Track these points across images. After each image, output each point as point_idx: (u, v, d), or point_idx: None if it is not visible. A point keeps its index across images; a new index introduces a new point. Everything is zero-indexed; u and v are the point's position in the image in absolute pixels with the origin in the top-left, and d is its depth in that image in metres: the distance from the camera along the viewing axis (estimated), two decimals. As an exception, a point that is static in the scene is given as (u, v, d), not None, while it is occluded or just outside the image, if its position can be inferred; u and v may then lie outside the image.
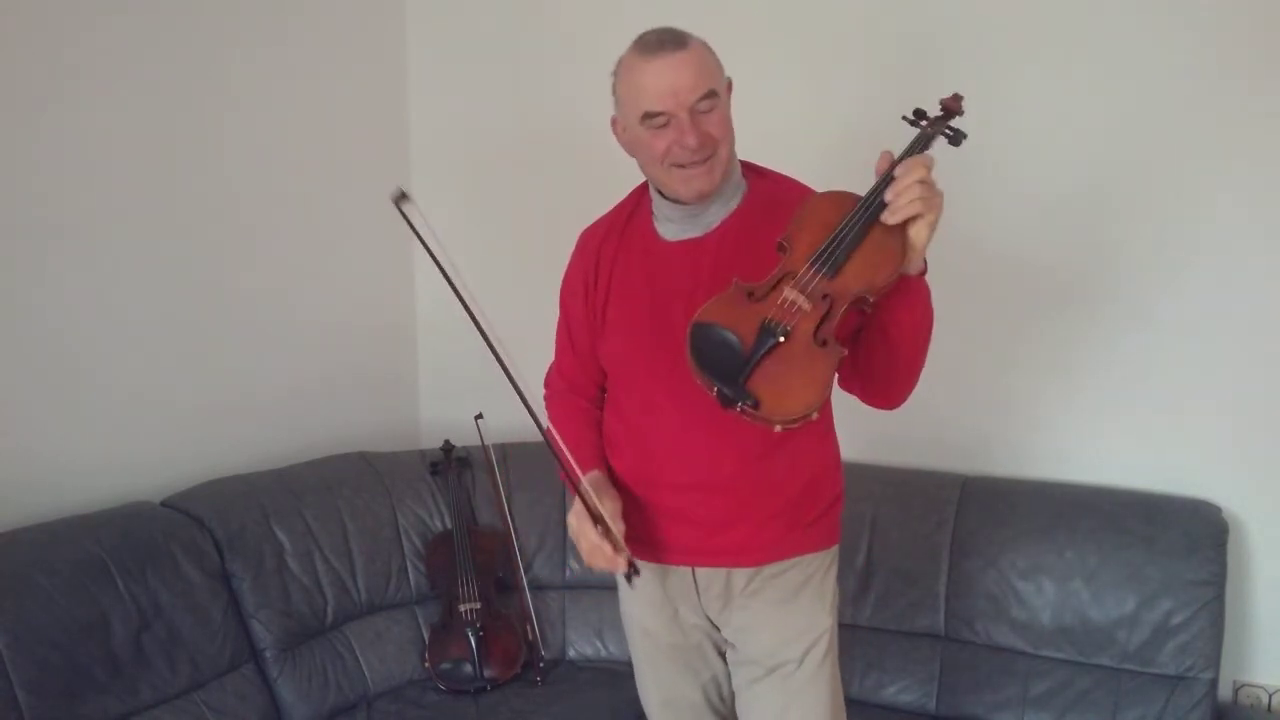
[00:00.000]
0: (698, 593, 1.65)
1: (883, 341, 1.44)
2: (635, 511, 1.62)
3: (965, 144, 1.42)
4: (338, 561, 2.44)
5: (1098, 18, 2.26)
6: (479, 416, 2.71)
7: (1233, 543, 2.18)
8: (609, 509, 1.54)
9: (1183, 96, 2.20)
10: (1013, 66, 2.34)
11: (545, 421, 1.54)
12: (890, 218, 1.32)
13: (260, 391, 2.63)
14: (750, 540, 1.59)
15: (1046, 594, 2.23)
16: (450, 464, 2.70)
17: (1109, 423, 2.35)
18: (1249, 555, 2.25)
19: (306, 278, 2.76)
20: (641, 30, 1.51)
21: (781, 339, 1.34)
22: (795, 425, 1.35)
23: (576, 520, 1.55)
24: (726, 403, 1.34)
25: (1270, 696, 2.26)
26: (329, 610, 2.41)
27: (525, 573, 2.62)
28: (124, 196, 2.28)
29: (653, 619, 1.71)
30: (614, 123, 1.58)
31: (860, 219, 1.35)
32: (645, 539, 1.63)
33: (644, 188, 1.66)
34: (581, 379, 1.75)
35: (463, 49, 2.97)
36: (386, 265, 3.03)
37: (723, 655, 1.71)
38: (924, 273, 1.40)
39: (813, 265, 1.36)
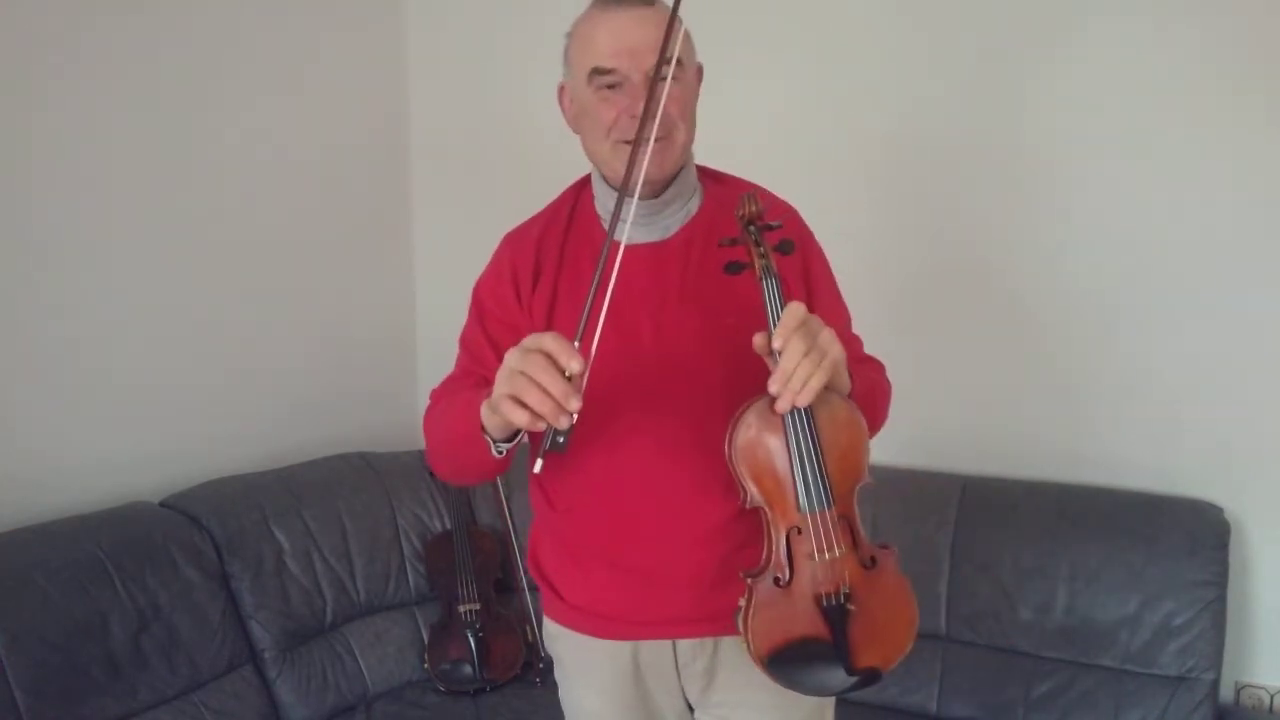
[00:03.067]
0: (677, 669, 1.42)
1: None
2: (602, 582, 1.39)
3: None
4: (337, 562, 2.44)
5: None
6: (479, 417, 2.71)
7: (1234, 543, 2.18)
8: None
9: (1170, 105, 2.20)
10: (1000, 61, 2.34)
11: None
12: (800, 403, 1.14)
13: (260, 392, 2.63)
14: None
15: (1048, 595, 2.22)
16: (450, 464, 2.69)
17: (1109, 423, 2.35)
18: (1250, 556, 2.24)
19: (306, 278, 2.75)
20: (567, 33, 1.36)
21: (852, 606, 1.22)
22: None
23: (537, 337, 1.11)
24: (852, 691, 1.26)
25: (1272, 697, 2.25)
26: (328, 611, 2.40)
27: (525, 573, 2.62)
28: (123, 198, 2.28)
29: (614, 708, 1.45)
30: (560, 91, 1.38)
31: (802, 429, 1.20)
32: (615, 613, 1.40)
33: (581, 184, 1.45)
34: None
35: (463, 49, 2.97)
36: (387, 265, 3.03)
37: None
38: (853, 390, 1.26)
39: (809, 512, 1.22)
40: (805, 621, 1.23)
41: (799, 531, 1.23)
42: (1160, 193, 2.25)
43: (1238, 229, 2.19)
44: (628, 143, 1.27)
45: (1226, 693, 2.24)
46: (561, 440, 1.13)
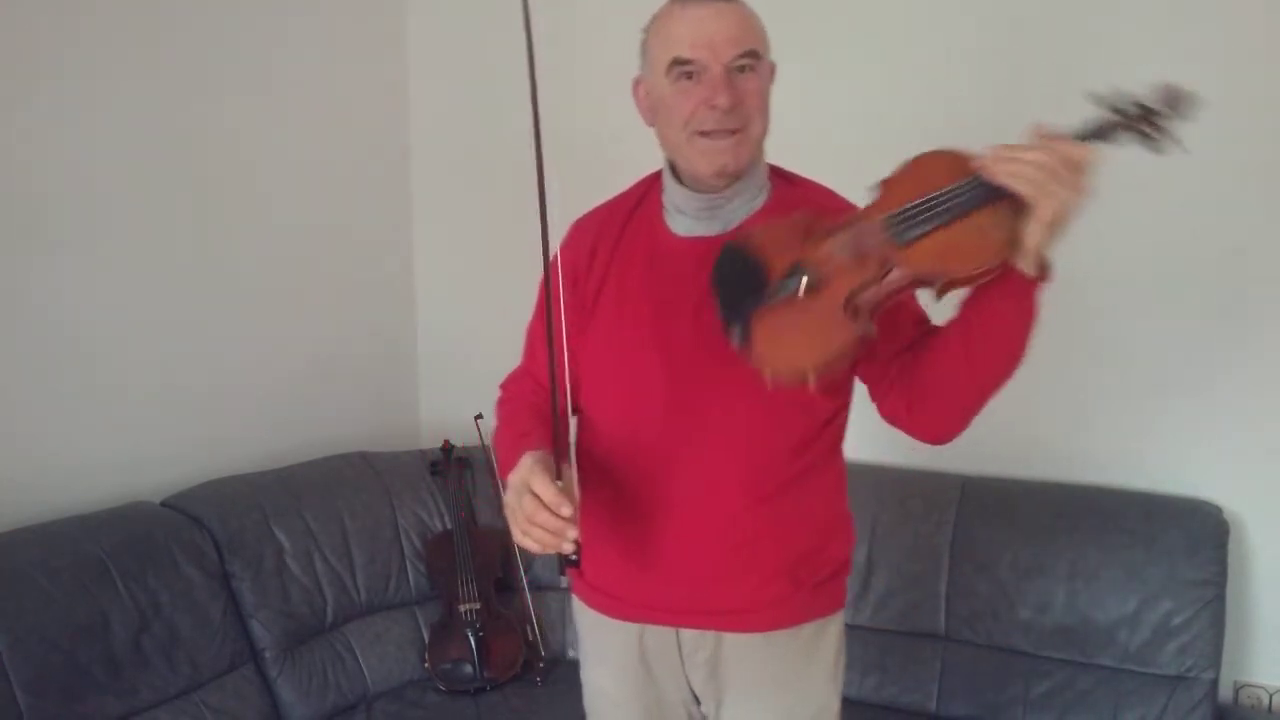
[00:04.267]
0: (681, 658, 1.42)
1: (957, 341, 1.22)
2: (614, 562, 1.41)
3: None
4: (337, 561, 2.44)
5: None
6: (479, 416, 2.71)
7: (1233, 543, 2.18)
8: (566, 475, 1.26)
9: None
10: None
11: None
12: (984, 173, 1.08)
13: (260, 391, 2.63)
14: (751, 599, 1.36)
15: (1047, 594, 2.23)
16: (450, 464, 2.70)
17: (1109, 423, 2.35)
18: (1249, 555, 2.24)
19: (307, 278, 2.75)
20: (632, 28, 1.39)
21: (802, 291, 1.18)
22: (784, 383, 1.20)
23: (526, 476, 1.21)
24: (724, 328, 1.23)
25: (1271, 697, 2.26)
26: (329, 610, 2.40)
27: (525, 573, 2.62)
28: (123, 198, 2.28)
29: (626, 690, 1.47)
30: (636, 85, 1.40)
31: (968, 192, 1.11)
32: (622, 594, 1.42)
33: (655, 176, 1.46)
34: (546, 391, 1.46)
35: (463, 49, 2.97)
36: (387, 265, 3.03)
37: None
38: (1040, 280, 1.16)
39: (887, 225, 1.16)
40: (779, 258, 1.22)
41: (857, 224, 1.19)
42: (1160, 192, 2.25)
43: (1237, 229, 2.20)
44: (703, 134, 1.30)
45: (1225, 692, 2.24)
46: (574, 558, 1.21)
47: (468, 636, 2.46)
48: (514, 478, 1.23)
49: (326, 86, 2.78)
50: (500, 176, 2.94)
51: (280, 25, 2.63)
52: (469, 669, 2.44)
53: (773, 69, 1.38)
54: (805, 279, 1.19)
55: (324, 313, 2.81)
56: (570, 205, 1.49)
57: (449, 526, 2.63)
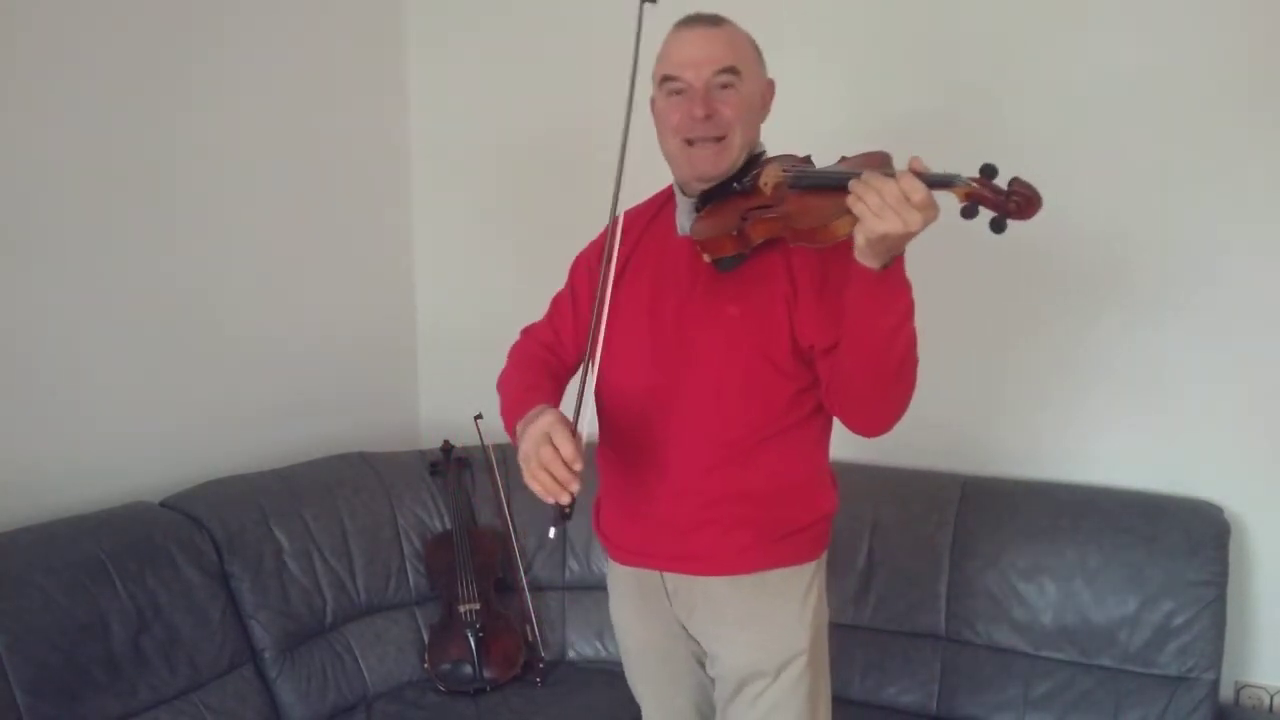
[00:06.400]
0: (668, 598, 1.60)
1: (845, 334, 1.36)
2: (610, 511, 1.63)
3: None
4: (337, 562, 2.44)
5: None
6: (479, 416, 2.71)
7: (1234, 543, 2.18)
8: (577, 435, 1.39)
9: (1206, 97, 2.19)
10: (1026, 46, 2.34)
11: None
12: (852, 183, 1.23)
13: (260, 392, 2.63)
14: (715, 547, 1.52)
15: (1047, 594, 2.23)
16: (450, 464, 2.70)
17: (1110, 423, 2.35)
18: (1250, 556, 2.24)
19: (307, 278, 2.76)
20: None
21: (741, 188, 1.48)
22: (701, 247, 1.45)
23: (548, 428, 1.34)
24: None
25: (1272, 697, 2.25)
26: (328, 611, 2.40)
27: (525, 573, 2.62)
28: (122, 197, 2.28)
29: (637, 623, 1.69)
30: (651, 104, 1.57)
31: (839, 184, 1.26)
32: (619, 541, 1.62)
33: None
34: (563, 348, 1.70)
35: (462, 50, 2.97)
36: (387, 265, 3.03)
37: (704, 666, 1.65)
38: (888, 269, 1.28)
39: (794, 175, 1.41)
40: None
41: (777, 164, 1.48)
42: (1159, 191, 2.25)
43: (1238, 230, 2.19)
44: (689, 142, 1.48)
45: (1226, 692, 2.24)
46: (568, 512, 1.33)
47: (467, 637, 2.45)
48: (535, 428, 1.35)
49: (326, 89, 2.78)
50: (500, 178, 2.95)
51: (283, 27, 2.63)
52: (469, 669, 2.44)
53: (770, 86, 1.56)
54: (744, 184, 1.47)
55: (323, 313, 2.81)
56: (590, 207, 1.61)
57: (449, 527, 2.62)
